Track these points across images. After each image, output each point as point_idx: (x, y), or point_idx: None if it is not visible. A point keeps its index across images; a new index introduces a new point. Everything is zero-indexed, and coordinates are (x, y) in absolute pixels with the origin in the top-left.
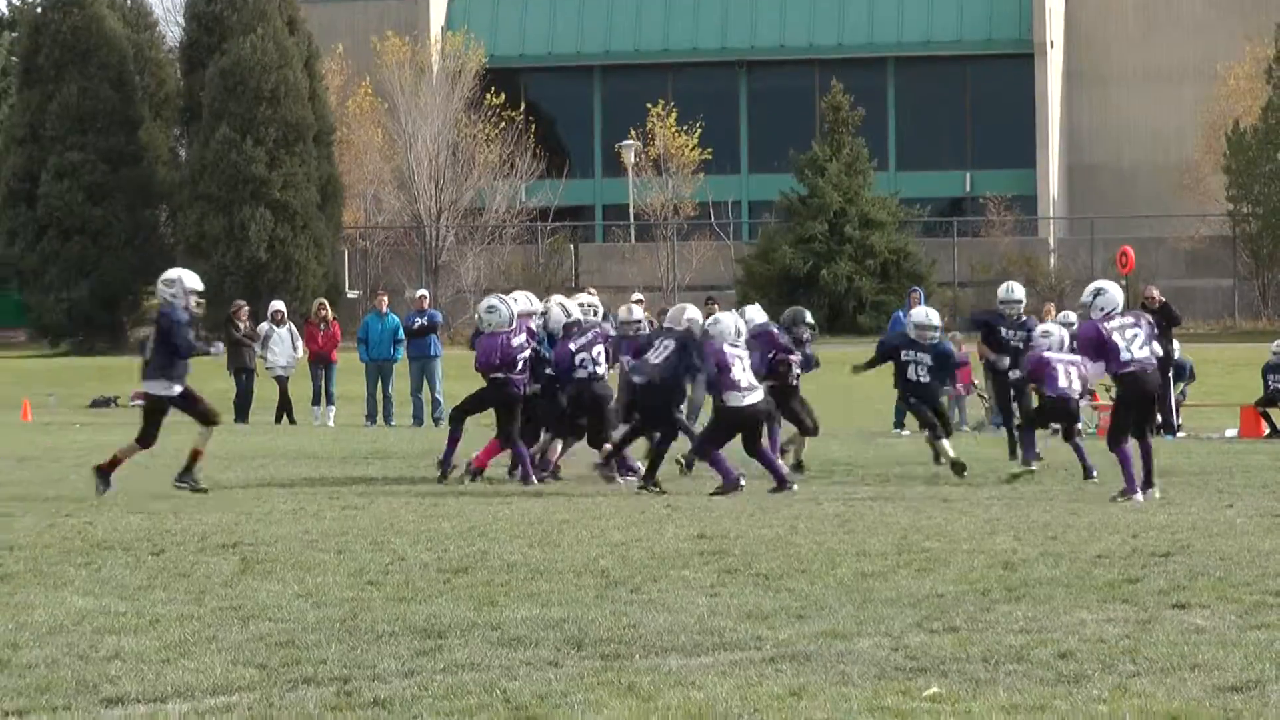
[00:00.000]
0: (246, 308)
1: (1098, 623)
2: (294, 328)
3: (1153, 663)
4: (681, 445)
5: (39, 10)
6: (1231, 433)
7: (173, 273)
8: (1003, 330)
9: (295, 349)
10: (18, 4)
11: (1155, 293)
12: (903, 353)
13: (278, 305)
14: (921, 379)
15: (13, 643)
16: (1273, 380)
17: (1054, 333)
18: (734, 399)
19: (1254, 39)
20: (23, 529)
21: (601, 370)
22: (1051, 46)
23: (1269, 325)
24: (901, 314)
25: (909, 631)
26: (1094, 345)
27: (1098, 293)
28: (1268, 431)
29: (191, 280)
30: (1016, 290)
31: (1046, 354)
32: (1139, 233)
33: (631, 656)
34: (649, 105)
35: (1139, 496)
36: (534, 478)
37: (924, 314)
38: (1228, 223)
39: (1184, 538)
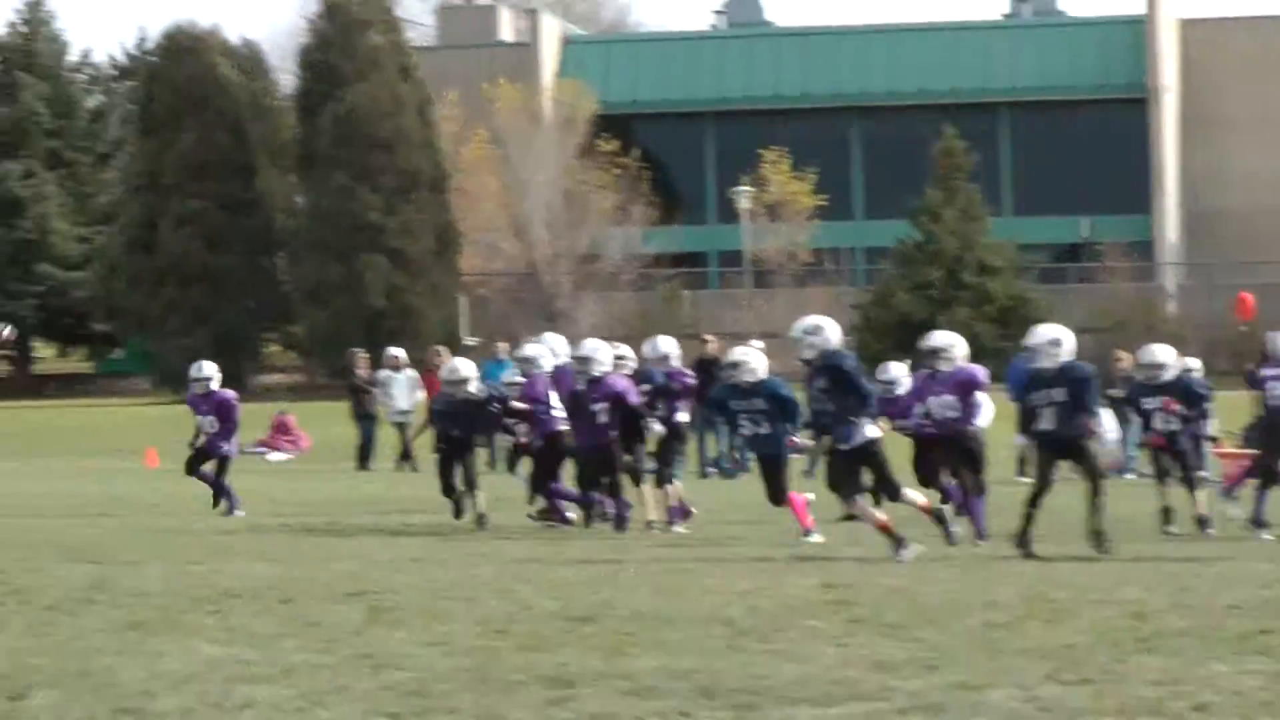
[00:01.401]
0: (364, 355)
1: (1233, 675)
2: (413, 373)
3: None
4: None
5: (154, 59)
6: None
7: (811, 320)
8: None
9: (415, 394)
10: (134, 53)
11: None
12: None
13: (396, 351)
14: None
15: (147, 691)
16: None
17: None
18: None
19: None
20: (152, 576)
21: None
22: (1166, 91)
23: None
24: (1020, 362)
25: (1041, 683)
26: None
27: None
28: None
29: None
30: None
31: None
32: (1262, 278)
33: (763, 707)
34: (761, 151)
35: None
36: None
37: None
38: None
39: None
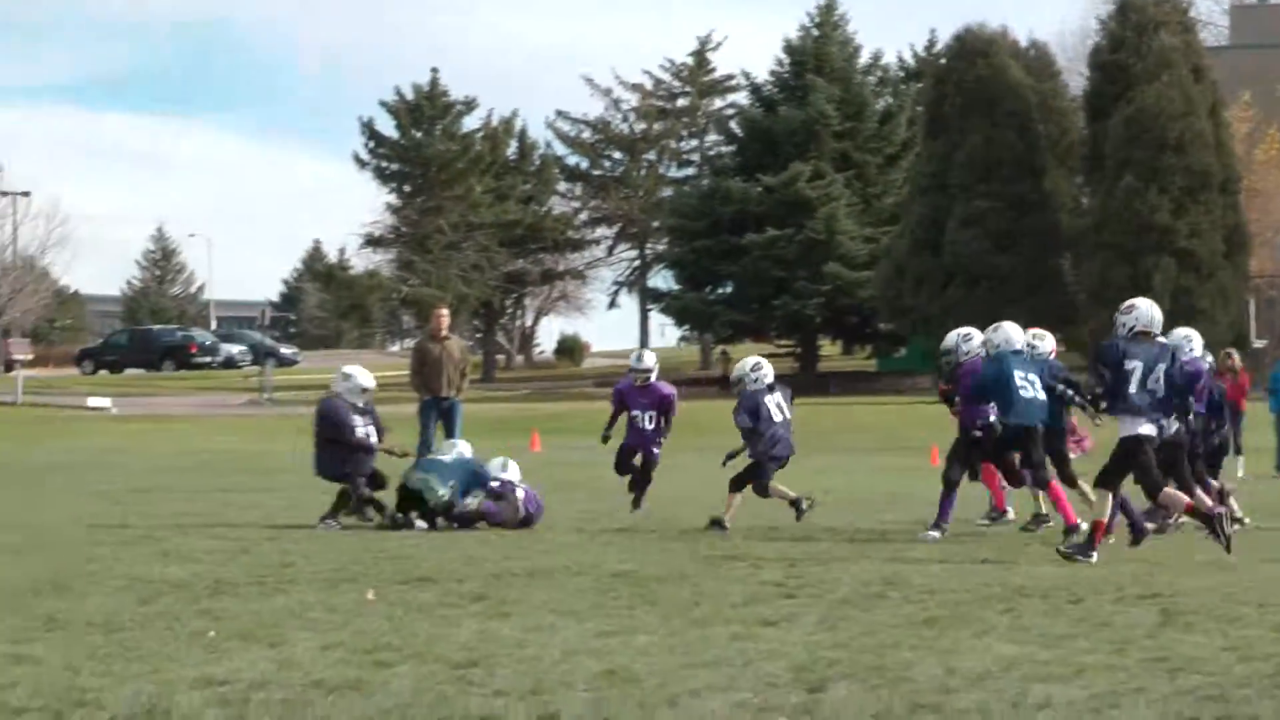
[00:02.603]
0: None
1: None
2: None
3: None
4: None
5: (943, 61)
6: None
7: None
8: None
9: None
10: (923, 55)
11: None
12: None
13: None
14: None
15: (944, 687)
16: None
17: None
18: None
19: None
20: (942, 573)
21: None
22: None
23: None
24: None
25: None
26: None
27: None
28: None
29: None
30: None
31: None
32: None
33: None
34: None
35: None
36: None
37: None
38: None
39: None
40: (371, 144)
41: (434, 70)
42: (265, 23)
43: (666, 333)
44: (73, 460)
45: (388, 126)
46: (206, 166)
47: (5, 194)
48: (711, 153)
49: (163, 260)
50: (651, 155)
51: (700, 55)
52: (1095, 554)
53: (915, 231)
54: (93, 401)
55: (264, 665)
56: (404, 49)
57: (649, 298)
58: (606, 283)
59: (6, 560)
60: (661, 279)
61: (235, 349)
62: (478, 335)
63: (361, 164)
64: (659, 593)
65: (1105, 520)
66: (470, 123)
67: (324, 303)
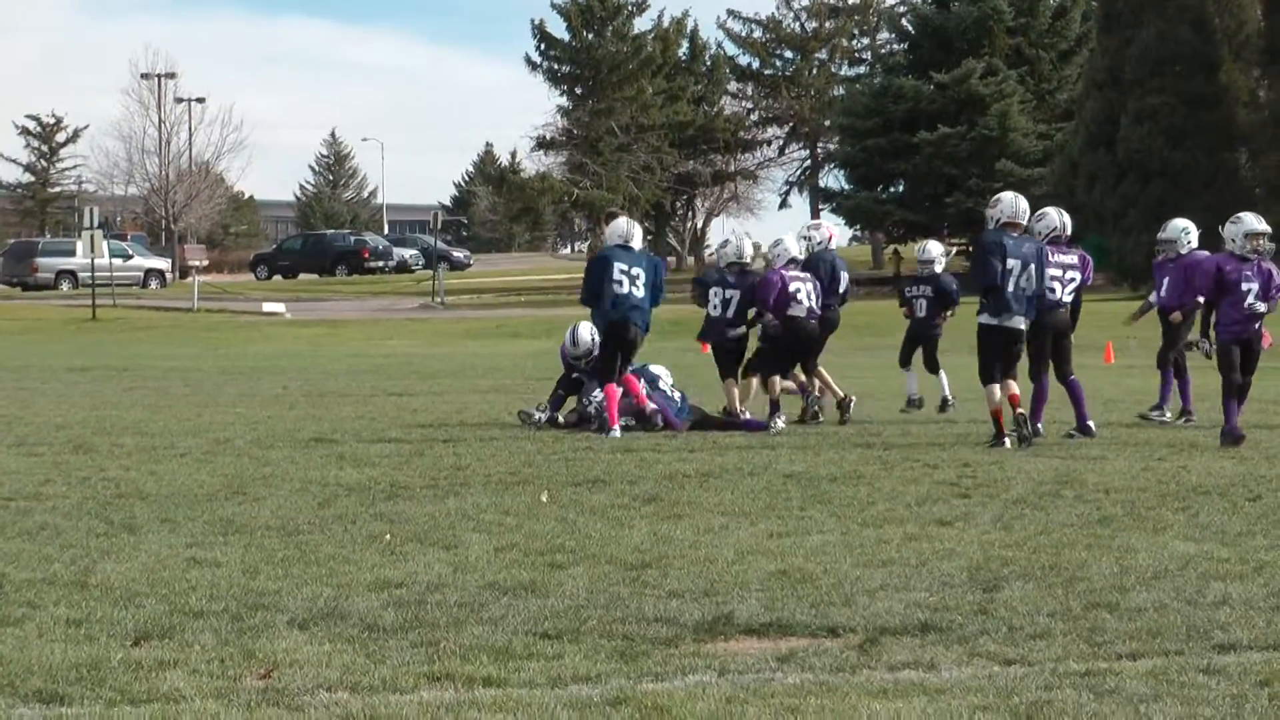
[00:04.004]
0: None
1: None
2: None
3: None
4: None
5: None
6: None
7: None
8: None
9: None
10: None
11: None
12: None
13: None
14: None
15: (1119, 585)
16: None
17: None
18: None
19: None
20: (1116, 471)
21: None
22: None
23: None
24: None
25: None
26: None
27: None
28: None
29: None
30: None
31: None
32: None
33: None
34: None
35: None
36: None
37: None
38: None
39: None
40: (543, 46)
41: None
42: None
43: (837, 232)
44: (248, 366)
45: (559, 28)
46: (379, 71)
47: (181, 100)
48: (883, 50)
49: (336, 165)
50: (823, 54)
51: None
52: (1007, 440)
53: (1089, 127)
54: (267, 307)
55: (439, 568)
56: None
57: (820, 197)
58: (778, 183)
59: (185, 465)
60: (832, 178)
61: (407, 253)
62: (648, 237)
63: (533, 66)
64: (831, 493)
65: (999, 408)
66: (641, 24)
67: (495, 206)
